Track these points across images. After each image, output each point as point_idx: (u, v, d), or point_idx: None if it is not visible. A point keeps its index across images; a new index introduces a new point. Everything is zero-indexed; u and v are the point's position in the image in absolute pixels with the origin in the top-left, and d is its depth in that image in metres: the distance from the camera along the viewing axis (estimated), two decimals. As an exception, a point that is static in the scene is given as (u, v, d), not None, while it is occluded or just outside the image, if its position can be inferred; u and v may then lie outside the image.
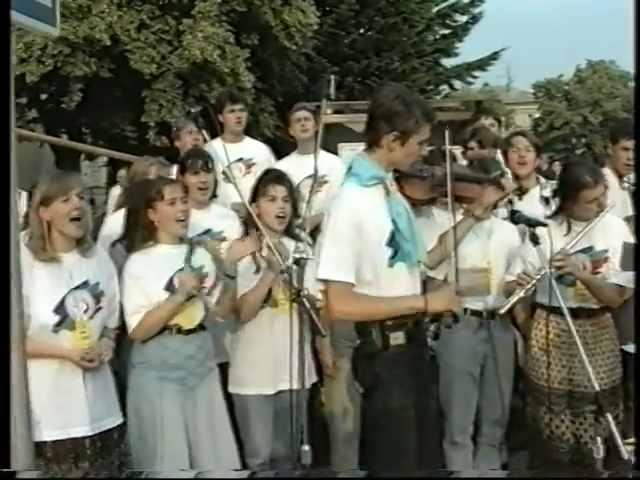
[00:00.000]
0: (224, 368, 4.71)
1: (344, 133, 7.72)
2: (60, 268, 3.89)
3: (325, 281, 3.62)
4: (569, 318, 3.88)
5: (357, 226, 3.57)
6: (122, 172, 12.23)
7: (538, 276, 4.35)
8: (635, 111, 3.60)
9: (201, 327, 4.36)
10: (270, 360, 4.59)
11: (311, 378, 4.15)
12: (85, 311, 3.94)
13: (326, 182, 5.95)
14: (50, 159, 19.46)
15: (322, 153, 6.21)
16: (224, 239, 5.06)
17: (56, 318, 3.85)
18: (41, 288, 3.72)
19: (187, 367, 4.28)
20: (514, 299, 4.47)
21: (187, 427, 4.26)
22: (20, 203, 9.30)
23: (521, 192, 5.41)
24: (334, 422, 5.06)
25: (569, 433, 4.58)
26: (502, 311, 4.52)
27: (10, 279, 2.46)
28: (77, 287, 3.94)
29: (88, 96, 14.95)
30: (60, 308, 3.86)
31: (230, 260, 4.41)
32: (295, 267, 3.66)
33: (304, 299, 3.62)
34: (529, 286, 4.41)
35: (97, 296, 4.00)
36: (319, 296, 3.84)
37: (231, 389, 4.67)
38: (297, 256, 3.65)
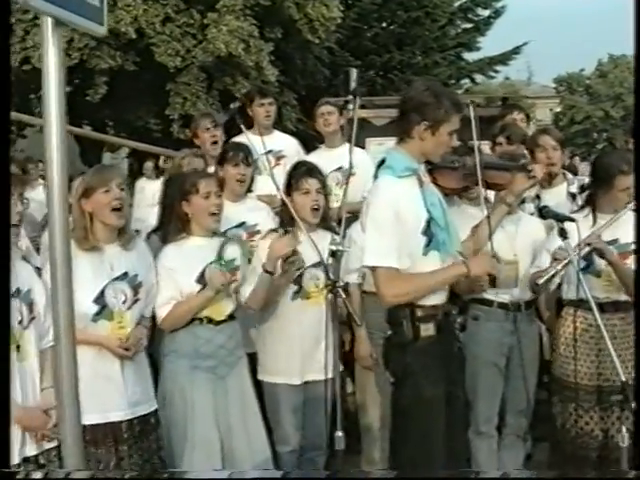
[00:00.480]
0: (251, 358, 4.80)
1: (368, 128, 7.77)
2: (101, 259, 4.00)
3: (372, 268, 3.74)
4: (596, 311, 3.92)
5: (396, 214, 3.69)
6: (148, 164, 12.35)
7: (574, 253, 4.33)
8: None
9: (230, 317, 4.46)
10: (299, 351, 4.70)
11: (338, 368, 4.24)
12: (123, 302, 4.05)
13: (354, 174, 6.03)
14: (73, 151, 19.62)
15: (348, 146, 6.31)
16: (258, 232, 5.16)
17: (95, 308, 3.96)
18: (83, 278, 3.78)
19: (218, 356, 4.37)
20: (552, 272, 4.41)
21: (218, 415, 4.35)
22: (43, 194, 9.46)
23: (549, 182, 5.43)
24: (365, 411, 5.14)
25: (598, 429, 4.59)
26: (540, 281, 4.46)
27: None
28: (117, 278, 4.04)
29: (113, 89, 15.05)
30: (100, 298, 3.97)
31: (271, 257, 4.46)
32: (331, 259, 3.74)
33: (339, 290, 3.70)
34: (565, 261, 4.33)
35: (135, 287, 4.10)
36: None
37: (261, 377, 4.76)
38: (333, 248, 3.73)
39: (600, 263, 4.55)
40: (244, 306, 4.58)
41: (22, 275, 3.62)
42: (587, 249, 4.41)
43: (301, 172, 4.78)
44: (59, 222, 2.49)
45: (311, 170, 4.80)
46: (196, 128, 6.20)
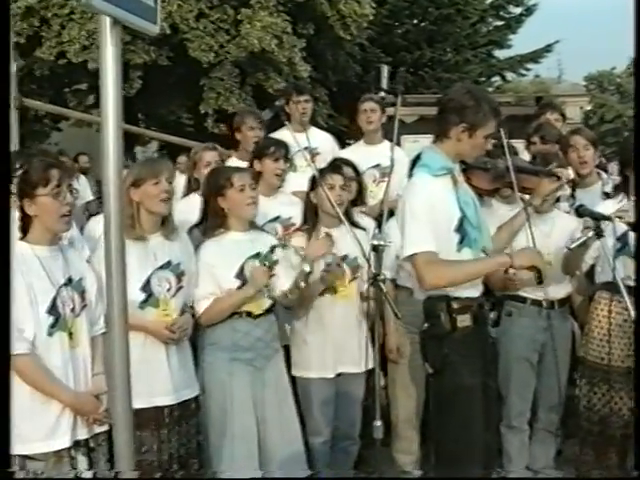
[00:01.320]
0: (286, 350, 4.89)
1: (401, 126, 7.83)
2: (146, 249, 4.09)
3: (411, 257, 3.81)
4: (625, 293, 3.98)
5: (431, 207, 3.77)
6: (182, 158, 12.45)
7: (606, 222, 4.32)
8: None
9: (268, 311, 4.54)
10: (330, 344, 4.81)
11: (376, 359, 4.33)
12: (168, 290, 4.15)
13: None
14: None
15: (388, 144, 6.37)
16: (293, 224, 5.24)
17: (142, 296, 4.07)
18: (130, 266, 3.86)
19: (256, 348, 4.44)
20: (583, 239, 4.36)
21: (256, 405, 4.43)
22: (80, 186, 9.52)
23: (578, 183, 5.48)
24: (396, 404, 5.21)
25: (625, 409, 4.65)
26: (572, 246, 4.45)
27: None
28: (161, 267, 4.14)
29: (146, 84, 15.17)
30: (146, 286, 4.08)
31: (308, 258, 4.56)
32: (373, 253, 3.82)
33: (380, 283, 3.78)
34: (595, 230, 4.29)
35: (179, 275, 4.20)
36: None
37: (295, 372, 4.86)
38: (375, 242, 3.81)
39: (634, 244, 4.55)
40: (280, 302, 4.67)
41: (75, 264, 3.69)
42: (621, 221, 4.44)
43: (329, 167, 4.92)
44: (114, 214, 2.56)
45: (336, 166, 4.91)
46: (241, 124, 6.24)
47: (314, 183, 4.84)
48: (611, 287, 4.63)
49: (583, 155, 5.45)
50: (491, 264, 3.94)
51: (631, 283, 4.35)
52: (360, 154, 6.07)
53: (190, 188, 5.55)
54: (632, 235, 4.52)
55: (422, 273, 3.78)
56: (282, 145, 5.32)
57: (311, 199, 4.91)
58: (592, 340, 4.83)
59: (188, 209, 4.87)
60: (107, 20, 2.53)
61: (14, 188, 3.46)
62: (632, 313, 3.96)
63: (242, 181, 4.48)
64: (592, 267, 4.89)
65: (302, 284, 4.49)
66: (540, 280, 3.95)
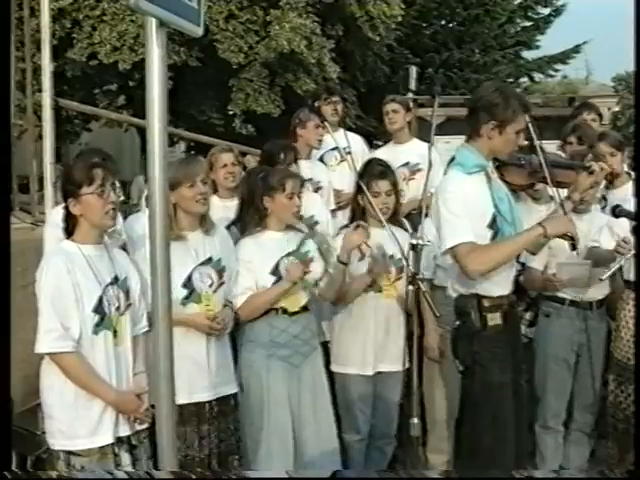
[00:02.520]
0: (324, 347, 4.92)
1: (425, 126, 7.82)
2: (186, 246, 4.14)
3: (452, 250, 3.84)
4: None
5: (465, 201, 3.81)
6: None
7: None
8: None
9: (305, 309, 4.58)
10: (372, 342, 4.84)
11: (414, 358, 4.36)
12: (210, 285, 4.20)
13: (420, 170, 6.11)
14: (130, 144, 19.87)
15: (417, 142, 6.40)
16: (317, 223, 5.27)
17: (184, 292, 4.11)
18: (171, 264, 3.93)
19: (293, 346, 4.49)
20: (615, 266, 4.47)
21: (291, 402, 4.47)
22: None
23: (612, 181, 5.46)
24: (432, 403, 5.23)
25: None
26: (604, 277, 4.54)
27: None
28: (202, 263, 4.19)
29: (176, 84, 15.22)
30: (188, 283, 4.13)
31: (345, 249, 4.59)
32: (412, 252, 3.84)
33: (419, 282, 3.80)
34: (629, 255, 4.42)
35: (220, 271, 4.25)
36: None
37: (334, 368, 4.90)
38: (414, 242, 3.83)
39: None
40: (318, 298, 4.71)
41: (120, 263, 3.75)
42: None
43: (373, 173, 4.90)
44: (159, 212, 2.59)
45: (382, 173, 4.91)
46: (305, 122, 6.10)
47: (360, 186, 4.86)
48: (635, 284, 4.67)
49: (611, 162, 5.40)
50: (527, 237, 3.91)
51: None
52: (389, 154, 6.10)
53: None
54: None
55: (465, 262, 3.81)
56: (286, 149, 5.34)
57: (358, 202, 4.93)
58: (620, 339, 4.86)
59: None
60: (153, 22, 2.54)
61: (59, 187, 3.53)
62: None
63: (294, 189, 4.53)
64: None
65: (332, 272, 4.56)
66: (574, 246, 3.94)
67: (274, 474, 4.33)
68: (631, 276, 4.77)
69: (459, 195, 3.83)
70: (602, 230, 4.86)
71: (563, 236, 3.94)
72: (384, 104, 6.60)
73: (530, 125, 4.17)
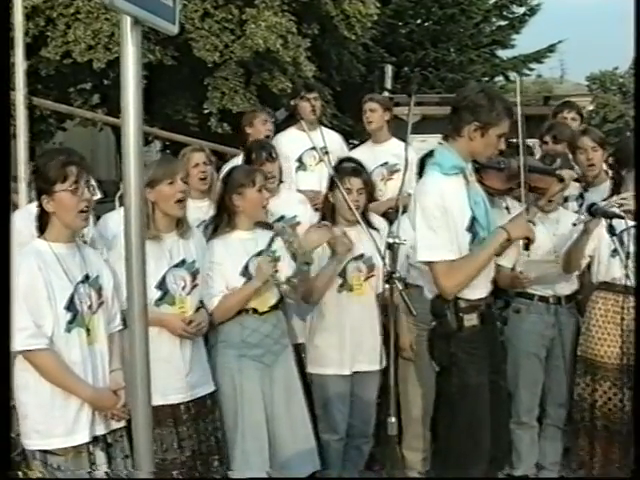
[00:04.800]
0: (296, 349, 4.93)
1: (401, 125, 7.83)
2: (161, 247, 4.15)
3: (428, 263, 3.86)
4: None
5: (443, 209, 3.79)
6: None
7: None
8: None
9: (274, 307, 4.59)
10: (348, 342, 4.85)
11: (391, 356, 4.36)
12: (183, 288, 4.22)
13: (398, 170, 6.11)
14: (105, 143, 19.76)
15: (395, 141, 6.40)
16: (298, 224, 5.27)
17: (158, 293, 4.13)
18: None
19: (265, 345, 4.51)
20: (582, 223, 4.50)
21: (265, 401, 4.48)
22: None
23: (586, 184, 5.50)
24: (406, 402, 5.22)
25: (629, 405, 4.64)
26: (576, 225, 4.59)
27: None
28: (176, 265, 4.21)
29: (151, 83, 15.13)
30: (162, 284, 4.14)
31: (307, 247, 4.61)
32: (388, 251, 3.84)
33: (396, 281, 3.80)
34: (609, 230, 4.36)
35: (194, 274, 4.26)
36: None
37: (310, 369, 4.91)
38: (390, 241, 3.83)
39: (630, 245, 4.54)
40: (286, 297, 4.71)
41: (92, 261, 3.75)
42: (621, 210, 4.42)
43: (345, 171, 4.90)
44: (134, 212, 2.58)
45: (355, 170, 4.92)
46: (253, 119, 6.19)
47: (332, 184, 4.86)
48: (607, 287, 4.74)
49: (591, 157, 5.44)
50: (495, 243, 3.90)
51: (628, 283, 4.37)
52: (368, 153, 6.11)
53: None
54: (629, 234, 4.53)
55: (441, 282, 3.84)
56: (264, 147, 5.35)
57: (329, 199, 4.93)
58: (591, 338, 4.87)
59: None
60: (128, 20, 2.54)
61: (33, 185, 3.52)
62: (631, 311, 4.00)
63: (262, 182, 4.55)
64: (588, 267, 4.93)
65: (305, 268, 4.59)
66: (527, 247, 3.97)
67: (254, 474, 4.36)
68: (600, 277, 4.83)
69: (437, 199, 3.80)
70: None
71: (522, 239, 3.96)
72: (363, 103, 6.59)
73: (520, 128, 4.17)
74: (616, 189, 4.83)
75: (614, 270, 4.67)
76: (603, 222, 4.37)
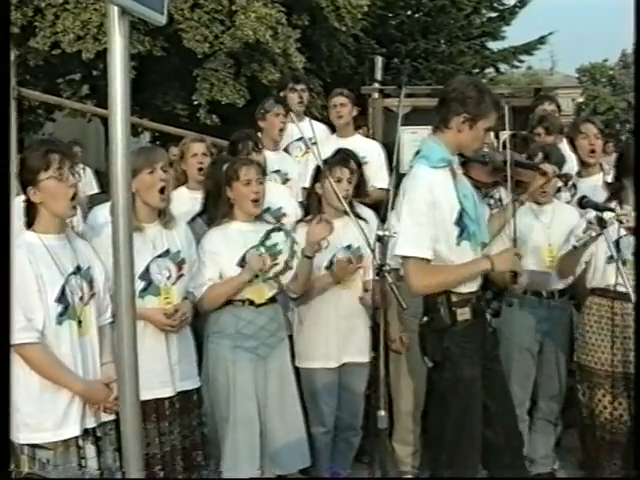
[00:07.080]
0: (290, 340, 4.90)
1: (392, 117, 7.81)
2: (144, 238, 4.09)
3: (403, 257, 3.82)
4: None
5: (432, 203, 3.77)
6: (174, 149, 12.44)
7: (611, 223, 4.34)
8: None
9: (272, 300, 4.57)
10: (335, 334, 4.82)
11: (380, 349, 4.35)
12: (168, 278, 4.18)
13: (366, 163, 6.05)
14: (95, 134, 19.68)
15: (359, 137, 6.39)
16: (284, 215, 5.23)
17: (142, 284, 4.08)
18: None
19: (259, 337, 4.48)
20: (587, 239, 4.44)
21: (258, 393, 4.46)
22: (86, 178, 9.44)
23: (581, 172, 5.51)
24: (398, 395, 5.21)
25: (627, 415, 4.65)
26: (578, 244, 4.53)
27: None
28: (160, 255, 4.16)
29: (141, 74, 15.07)
30: (145, 275, 4.09)
31: (309, 242, 4.57)
32: (378, 243, 3.82)
33: (386, 274, 3.78)
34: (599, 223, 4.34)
35: (179, 263, 4.23)
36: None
37: (298, 363, 4.88)
38: (380, 233, 3.81)
39: (627, 252, 4.59)
40: (286, 291, 4.69)
41: (83, 253, 3.71)
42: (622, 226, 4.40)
43: (334, 161, 4.88)
44: (122, 204, 2.56)
45: (344, 160, 4.89)
46: (267, 112, 6.10)
47: (318, 174, 4.83)
48: (602, 293, 4.71)
49: (594, 143, 5.46)
50: (474, 269, 3.92)
51: (622, 289, 4.34)
52: (332, 147, 6.07)
53: (178, 180, 5.44)
54: (625, 242, 4.54)
55: (412, 278, 3.84)
56: (249, 138, 5.32)
57: (316, 190, 4.90)
58: (585, 344, 4.85)
59: (175, 204, 4.76)
60: (115, 10, 2.51)
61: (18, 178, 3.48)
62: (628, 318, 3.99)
63: (249, 175, 4.51)
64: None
65: (293, 264, 4.54)
66: (515, 282, 3.99)
67: (244, 466, 4.34)
68: (595, 283, 4.79)
69: (427, 196, 3.78)
70: (569, 240, 4.80)
71: (509, 272, 3.95)
72: (331, 97, 6.61)
73: (507, 119, 4.15)
74: (615, 195, 4.79)
75: (609, 277, 4.63)
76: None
